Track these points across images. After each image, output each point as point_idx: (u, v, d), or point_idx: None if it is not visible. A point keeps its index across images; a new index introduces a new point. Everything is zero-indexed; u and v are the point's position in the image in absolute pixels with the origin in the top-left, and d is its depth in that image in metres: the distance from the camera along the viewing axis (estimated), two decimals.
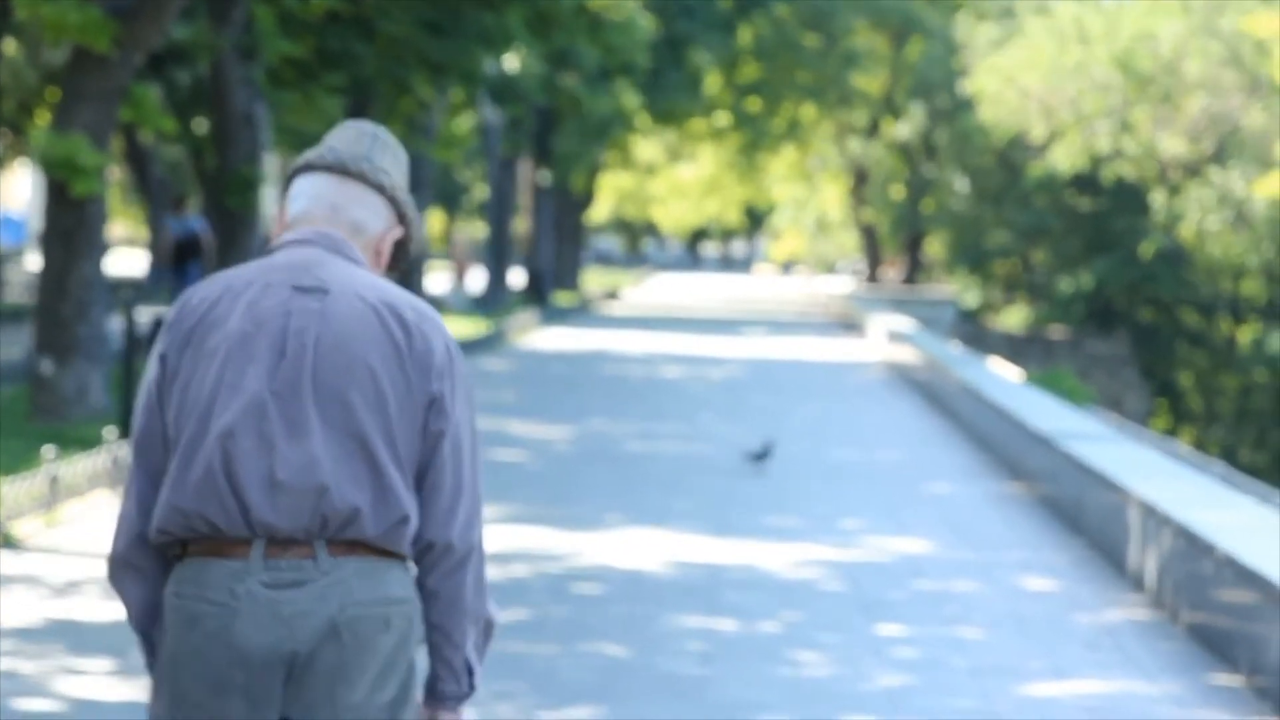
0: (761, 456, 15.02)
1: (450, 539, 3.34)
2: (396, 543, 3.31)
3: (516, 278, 47.87)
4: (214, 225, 22.82)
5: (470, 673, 3.40)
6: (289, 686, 3.25)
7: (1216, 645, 8.62)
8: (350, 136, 3.49)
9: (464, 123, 33.32)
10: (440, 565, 3.35)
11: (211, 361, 3.30)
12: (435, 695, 3.40)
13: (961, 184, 55.45)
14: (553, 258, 51.08)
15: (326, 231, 3.42)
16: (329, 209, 3.44)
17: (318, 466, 3.25)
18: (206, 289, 3.38)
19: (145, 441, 3.36)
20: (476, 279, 49.25)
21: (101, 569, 9.80)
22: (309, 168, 3.47)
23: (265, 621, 3.23)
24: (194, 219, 24.73)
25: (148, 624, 3.41)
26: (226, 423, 3.26)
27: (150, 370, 3.37)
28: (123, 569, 3.38)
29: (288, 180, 3.54)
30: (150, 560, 3.37)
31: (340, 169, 3.45)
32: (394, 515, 3.29)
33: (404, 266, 3.58)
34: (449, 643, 3.37)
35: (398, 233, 3.50)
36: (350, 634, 3.25)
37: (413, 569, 3.39)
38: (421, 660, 3.44)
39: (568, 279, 53.94)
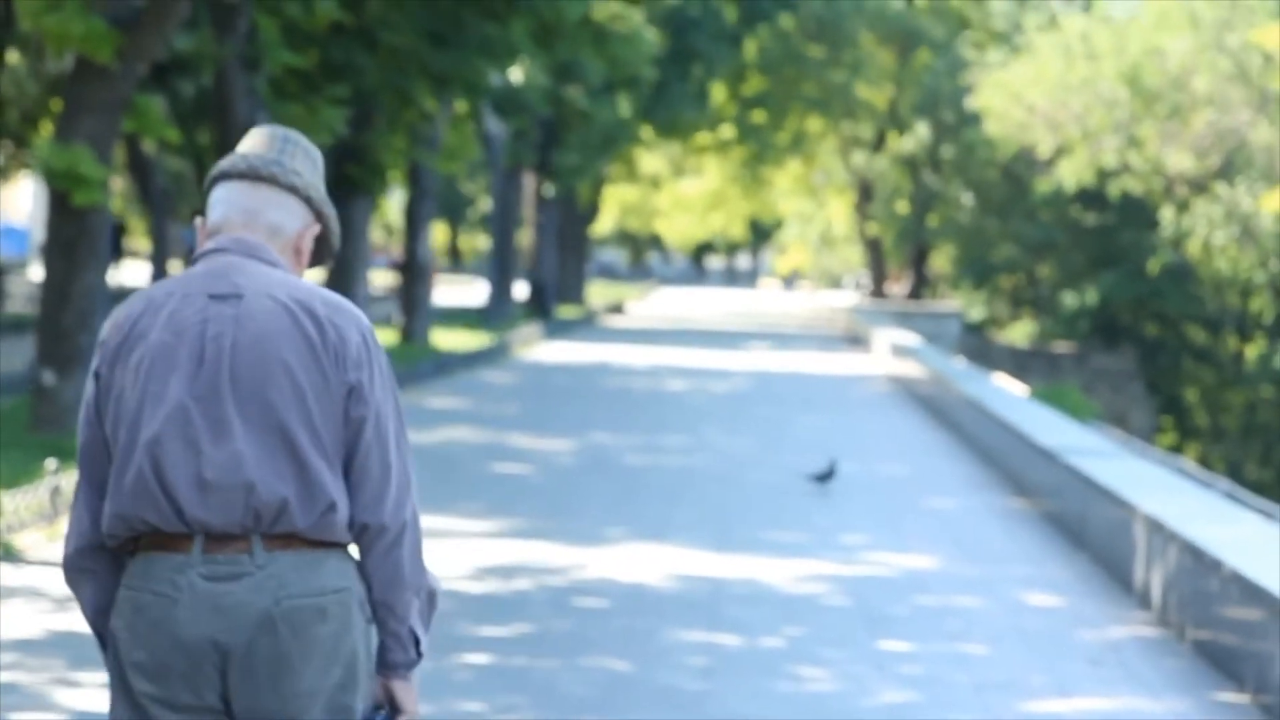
0: (825, 477, 14.64)
1: (383, 520, 3.50)
2: (328, 531, 3.46)
3: (520, 290, 47.85)
4: None
5: (417, 642, 3.57)
6: (233, 676, 3.42)
7: (1222, 662, 8.57)
8: (261, 141, 3.64)
9: (463, 130, 33.32)
10: (376, 545, 3.50)
11: (137, 374, 3.48)
12: (386, 665, 3.57)
13: (967, 198, 55.44)
14: (556, 270, 51.07)
15: (242, 237, 3.57)
16: (244, 214, 3.59)
17: (243, 464, 3.42)
18: (131, 305, 3.55)
19: (87, 453, 3.57)
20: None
21: None
22: (224, 176, 3.62)
23: (203, 612, 3.41)
24: None
25: (100, 622, 3.61)
26: (153, 430, 3.44)
27: (88, 387, 3.57)
28: (76, 572, 3.59)
29: (206, 190, 3.66)
30: (100, 563, 3.57)
31: (252, 175, 3.60)
32: (321, 504, 3.44)
33: (327, 262, 3.72)
34: (393, 616, 3.53)
35: (315, 229, 3.65)
36: (287, 625, 3.41)
37: (355, 552, 3.55)
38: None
39: (572, 292, 53.93)
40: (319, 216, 3.66)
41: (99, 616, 3.60)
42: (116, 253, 47.63)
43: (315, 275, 25.13)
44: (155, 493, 3.44)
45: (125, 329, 3.53)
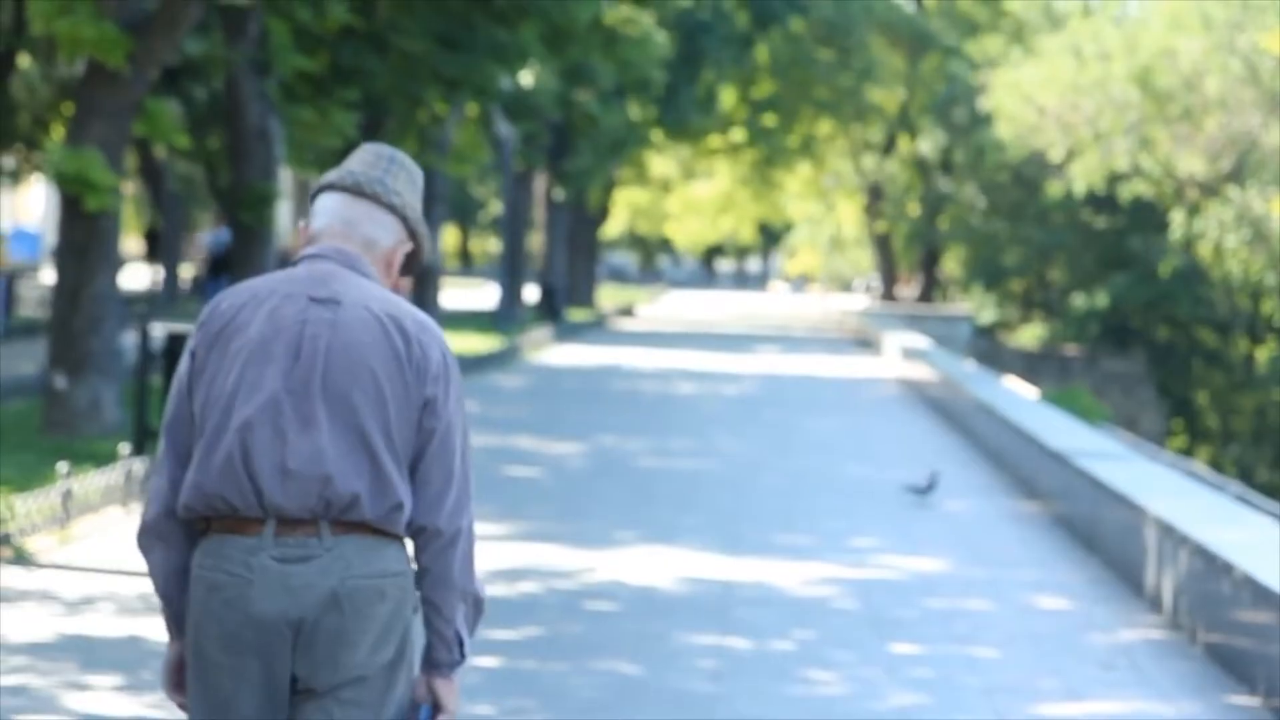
0: (926, 490, 14.46)
1: (439, 524, 3.76)
2: (392, 525, 3.73)
3: (530, 293, 47.86)
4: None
5: (461, 643, 3.80)
6: (297, 649, 3.68)
7: (1234, 665, 8.56)
8: (368, 160, 3.91)
9: (474, 133, 33.33)
10: (430, 546, 3.77)
11: (235, 361, 3.73)
12: (430, 663, 3.80)
13: (978, 201, 55.40)
14: (567, 273, 51.06)
15: (342, 248, 3.84)
16: (345, 225, 3.86)
17: (323, 457, 3.68)
18: (235, 296, 3.81)
19: (175, 425, 3.80)
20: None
21: (116, 584, 9.79)
22: (330, 188, 3.89)
23: (275, 591, 3.67)
24: (226, 233, 25.03)
25: (168, 587, 3.83)
26: (246, 416, 3.69)
27: (182, 363, 3.81)
28: (151, 537, 3.82)
29: (312, 198, 3.93)
30: (175, 531, 3.79)
31: (356, 190, 3.87)
32: (389, 502, 3.71)
33: (415, 274, 4.07)
34: (440, 616, 3.78)
35: (408, 246, 3.93)
36: (349, 603, 3.67)
37: (410, 547, 3.81)
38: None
39: (582, 295, 53.94)
40: (412, 235, 3.93)
41: (169, 582, 3.81)
42: (152, 256, 47.85)
43: None
44: (240, 475, 3.68)
45: (228, 316, 3.77)
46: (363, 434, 3.71)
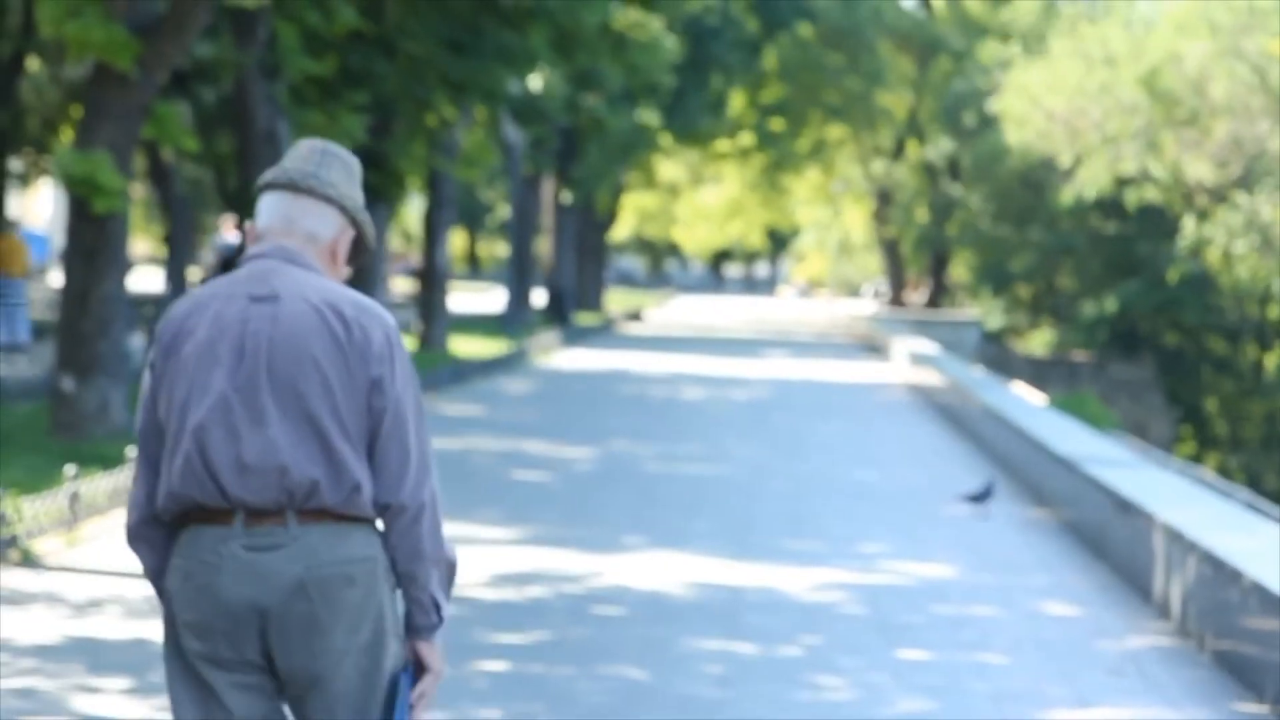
0: (982, 498, 14.30)
1: (402, 500, 3.90)
2: (356, 508, 3.87)
3: (539, 297, 47.86)
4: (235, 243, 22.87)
5: (438, 607, 3.99)
6: (271, 635, 3.84)
7: (1242, 673, 8.54)
8: (302, 154, 4.06)
9: (482, 137, 33.35)
10: (398, 522, 3.92)
11: (186, 366, 3.91)
12: (412, 629, 3.99)
13: (986, 206, 55.36)
14: (575, 278, 51.07)
15: (283, 244, 3.99)
16: (285, 222, 4.01)
17: (277, 449, 3.84)
18: (183, 304, 3.99)
19: (145, 435, 4.00)
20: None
21: (123, 587, 9.79)
22: (269, 187, 4.04)
23: (244, 578, 3.83)
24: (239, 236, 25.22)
25: (158, 583, 4.04)
26: (199, 419, 3.86)
27: (145, 376, 4.01)
28: (136, 540, 4.03)
29: (254, 197, 4.10)
30: (156, 532, 4.00)
31: (292, 186, 4.02)
32: (347, 484, 3.85)
33: (363, 261, 4.17)
34: (415, 584, 3.95)
35: (350, 235, 4.07)
36: (317, 590, 3.83)
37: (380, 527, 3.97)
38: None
39: (590, 299, 53.93)
40: (354, 223, 4.07)
41: (157, 577, 4.03)
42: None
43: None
44: (201, 474, 3.86)
45: (176, 325, 3.96)
46: (313, 421, 3.85)
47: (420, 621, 3.98)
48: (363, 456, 3.88)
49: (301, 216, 4.02)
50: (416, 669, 3.99)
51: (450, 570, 4.00)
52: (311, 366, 3.87)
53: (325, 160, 4.05)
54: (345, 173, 4.07)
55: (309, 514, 3.85)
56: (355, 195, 4.07)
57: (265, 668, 3.88)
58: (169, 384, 3.92)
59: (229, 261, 26.19)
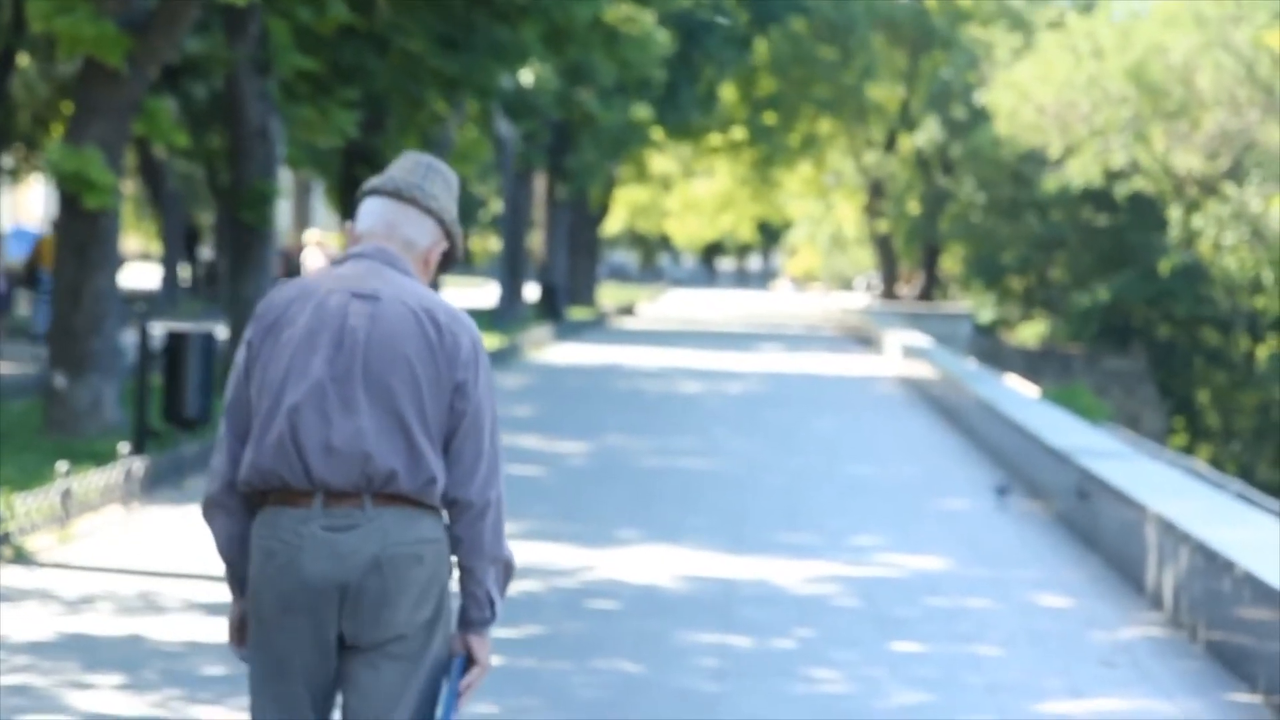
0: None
1: (470, 496, 4.16)
2: (428, 497, 4.13)
3: (531, 292, 47.85)
4: (229, 239, 22.83)
5: (492, 603, 4.22)
6: (344, 609, 4.08)
7: (1235, 663, 8.56)
8: (408, 167, 4.32)
9: (471, 131, 33.30)
10: (464, 517, 4.17)
11: (285, 350, 4.14)
12: (465, 621, 4.22)
13: (978, 198, 55.38)
14: (567, 272, 51.03)
15: (383, 247, 4.25)
16: (386, 227, 4.27)
17: (364, 437, 4.09)
18: (287, 291, 4.22)
19: (234, 408, 4.21)
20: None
21: (115, 584, 9.79)
22: (374, 192, 4.30)
23: (323, 556, 4.08)
24: None
25: (230, 551, 4.24)
26: (294, 400, 4.10)
27: (240, 352, 4.21)
28: (214, 508, 4.24)
29: (357, 201, 4.36)
30: (234, 502, 4.21)
31: (397, 194, 4.28)
32: (424, 476, 4.11)
33: (451, 270, 4.47)
34: (473, 579, 4.19)
35: (443, 246, 4.34)
36: (389, 567, 4.08)
37: (445, 517, 4.21)
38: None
39: (583, 293, 53.91)
40: (448, 235, 4.34)
41: (230, 546, 4.24)
42: (190, 254, 47.97)
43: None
44: (290, 453, 4.09)
45: (280, 310, 4.19)
46: (399, 416, 4.10)
47: (474, 615, 4.21)
48: (440, 453, 4.13)
49: (403, 224, 4.27)
50: (466, 661, 4.20)
51: (507, 570, 4.22)
52: (403, 365, 4.12)
53: (429, 174, 4.31)
54: (446, 188, 4.32)
55: (383, 497, 4.09)
56: (453, 209, 4.33)
57: (337, 638, 4.11)
58: (264, 364, 4.15)
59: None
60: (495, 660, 8.28)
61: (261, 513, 4.16)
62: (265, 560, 4.12)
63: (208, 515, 4.27)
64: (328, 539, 4.09)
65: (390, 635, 4.10)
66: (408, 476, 4.09)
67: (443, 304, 4.22)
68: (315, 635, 4.10)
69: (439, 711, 4.16)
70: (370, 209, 4.30)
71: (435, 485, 4.12)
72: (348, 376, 4.11)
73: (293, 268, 56.34)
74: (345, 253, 4.29)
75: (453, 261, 4.40)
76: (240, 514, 4.21)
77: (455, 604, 4.21)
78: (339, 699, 4.17)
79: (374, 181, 4.33)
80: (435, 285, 27.42)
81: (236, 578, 4.27)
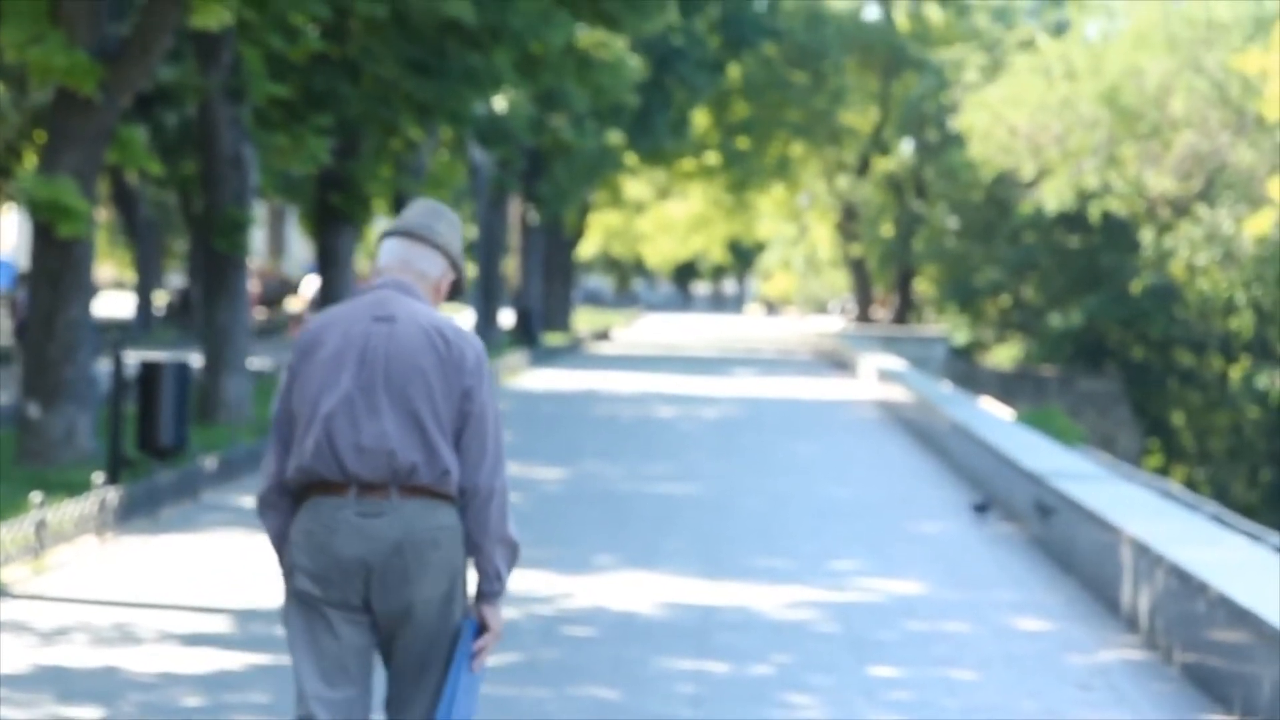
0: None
1: (478, 482, 4.94)
2: (444, 487, 4.90)
3: (506, 318, 47.83)
4: (203, 266, 22.78)
5: (499, 577, 4.99)
6: (372, 584, 4.84)
7: (1210, 685, 8.57)
8: (420, 211, 5.13)
9: (445, 157, 33.31)
10: (474, 502, 4.95)
11: (319, 368, 4.94)
12: (478, 594, 4.98)
13: (951, 221, 55.51)
14: (542, 298, 51.04)
15: (399, 279, 5.05)
16: (402, 262, 5.08)
17: (388, 437, 4.86)
18: (322, 319, 5.02)
19: (279, 420, 5.00)
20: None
21: (90, 615, 9.75)
22: (391, 234, 5.10)
23: (354, 538, 4.85)
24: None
25: (280, 544, 5.00)
26: (328, 409, 4.89)
27: (284, 374, 5.02)
28: (266, 506, 5.02)
29: (378, 242, 5.15)
30: (282, 500, 5.00)
31: (410, 234, 5.08)
32: (439, 468, 4.88)
33: (459, 297, 5.22)
34: (482, 555, 4.97)
35: (451, 276, 5.15)
36: (410, 549, 4.84)
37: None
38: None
39: (558, 319, 53.91)
40: (454, 267, 5.13)
41: (280, 539, 5.00)
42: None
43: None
44: (327, 453, 4.87)
45: (313, 336, 4.99)
46: (416, 417, 4.87)
47: (484, 588, 4.97)
48: (452, 448, 4.90)
49: (416, 259, 5.07)
50: (479, 628, 4.95)
51: (513, 550, 5.02)
52: (419, 375, 4.90)
53: (438, 217, 5.12)
54: (451, 228, 5.13)
55: (407, 489, 4.85)
56: (458, 245, 5.12)
57: (364, 609, 4.86)
58: (303, 381, 4.95)
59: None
60: None
61: (307, 502, 4.91)
62: (305, 539, 4.88)
63: (260, 512, 5.02)
64: (359, 524, 4.84)
65: (414, 607, 4.83)
66: (426, 468, 4.85)
67: (450, 323, 4.98)
68: (344, 604, 4.84)
69: (453, 670, 4.87)
70: (388, 248, 5.09)
71: (450, 476, 4.88)
72: (372, 387, 4.89)
73: (268, 291, 56.30)
74: (368, 285, 5.07)
75: (460, 290, 5.14)
76: (287, 511, 4.98)
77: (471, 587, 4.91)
78: (376, 660, 4.91)
79: (392, 225, 5.11)
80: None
81: (285, 563, 4.97)
